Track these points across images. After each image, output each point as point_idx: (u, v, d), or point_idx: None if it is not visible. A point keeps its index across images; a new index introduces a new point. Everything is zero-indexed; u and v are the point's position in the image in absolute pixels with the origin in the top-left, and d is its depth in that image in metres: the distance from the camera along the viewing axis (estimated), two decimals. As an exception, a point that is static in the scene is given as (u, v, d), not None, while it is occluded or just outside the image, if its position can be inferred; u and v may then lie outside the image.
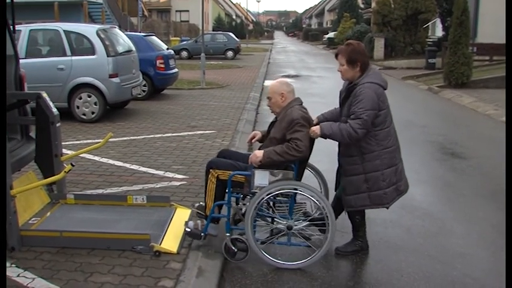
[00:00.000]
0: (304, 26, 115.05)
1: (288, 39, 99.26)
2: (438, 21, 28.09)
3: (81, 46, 11.23)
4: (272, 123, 4.97)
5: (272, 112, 4.97)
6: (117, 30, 12.65)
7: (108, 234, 4.78)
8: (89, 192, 6.31)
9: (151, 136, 9.67)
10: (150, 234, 4.69)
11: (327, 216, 4.54)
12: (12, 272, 4.27)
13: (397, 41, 29.34)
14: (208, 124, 10.88)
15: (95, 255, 4.60)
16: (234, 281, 4.47)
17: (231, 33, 37.54)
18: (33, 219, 5.19)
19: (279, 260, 4.72)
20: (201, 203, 5.21)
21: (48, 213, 5.40)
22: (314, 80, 21.26)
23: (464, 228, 5.76)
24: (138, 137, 9.57)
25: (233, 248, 4.69)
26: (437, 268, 4.76)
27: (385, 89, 4.69)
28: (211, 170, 4.83)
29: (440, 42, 24.44)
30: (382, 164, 4.64)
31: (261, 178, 4.60)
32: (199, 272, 4.34)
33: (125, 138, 9.42)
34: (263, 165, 4.59)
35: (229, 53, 34.66)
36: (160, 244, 4.68)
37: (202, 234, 4.80)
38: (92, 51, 10.94)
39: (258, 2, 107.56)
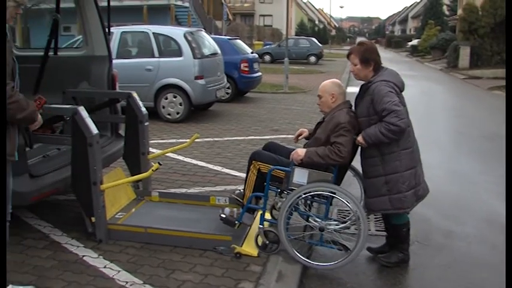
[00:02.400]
0: (387, 32, 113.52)
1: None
2: (530, 29, 26.94)
3: (169, 48, 11.54)
4: (319, 123, 4.92)
5: (321, 111, 4.93)
6: (203, 33, 12.91)
7: (191, 233, 4.86)
8: (172, 190, 6.45)
9: (235, 138, 9.80)
10: (232, 235, 4.75)
11: (360, 222, 4.44)
12: (99, 263, 4.43)
13: (483, 50, 28.31)
14: (291, 128, 10.86)
15: (177, 252, 4.69)
16: (313, 288, 4.45)
17: (313, 39, 37.61)
18: (120, 213, 5.35)
19: (306, 258, 4.67)
20: (241, 190, 5.23)
21: (134, 209, 5.55)
22: (397, 88, 20.84)
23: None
24: (222, 139, 9.71)
25: (265, 239, 4.70)
26: (524, 288, 4.57)
27: (402, 91, 4.58)
28: (253, 161, 4.87)
29: (532, 52, 23.40)
30: (402, 165, 4.52)
31: (300, 176, 4.57)
32: (279, 277, 4.35)
33: (209, 139, 9.58)
34: (303, 164, 4.57)
35: (312, 58, 34.73)
36: (241, 246, 4.71)
37: (236, 222, 4.84)
38: (179, 53, 11.23)
39: (341, 8, 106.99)
